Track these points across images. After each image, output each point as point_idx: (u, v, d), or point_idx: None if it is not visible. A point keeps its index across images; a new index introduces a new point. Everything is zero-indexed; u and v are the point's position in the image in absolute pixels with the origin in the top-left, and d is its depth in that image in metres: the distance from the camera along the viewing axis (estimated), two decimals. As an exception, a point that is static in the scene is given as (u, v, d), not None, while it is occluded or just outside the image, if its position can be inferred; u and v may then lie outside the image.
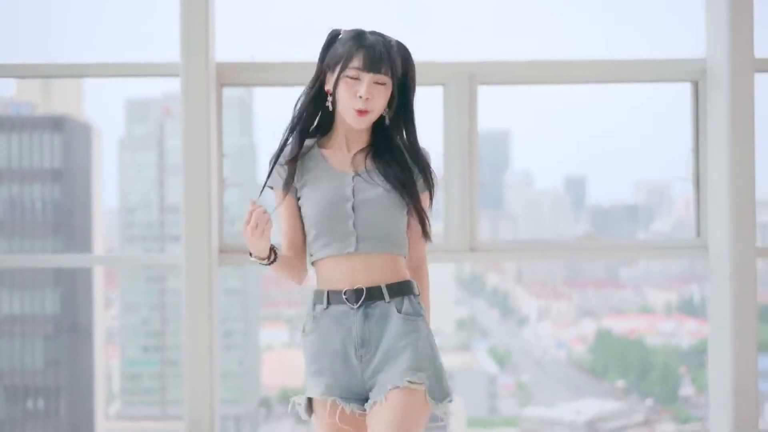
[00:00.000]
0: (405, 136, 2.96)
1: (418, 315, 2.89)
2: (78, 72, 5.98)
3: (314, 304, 2.92)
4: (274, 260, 2.89)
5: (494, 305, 66.77)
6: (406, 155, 2.95)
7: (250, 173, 61.11)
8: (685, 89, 5.74)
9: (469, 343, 62.81)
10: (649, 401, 54.64)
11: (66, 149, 52.69)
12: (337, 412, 2.83)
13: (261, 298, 62.41)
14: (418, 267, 3.01)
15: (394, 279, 2.89)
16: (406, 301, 2.88)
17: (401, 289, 2.89)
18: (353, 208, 2.87)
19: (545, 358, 61.73)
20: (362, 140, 2.97)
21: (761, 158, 5.42)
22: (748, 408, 5.47)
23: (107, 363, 58.02)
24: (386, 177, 2.90)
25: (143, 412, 57.69)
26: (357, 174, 2.91)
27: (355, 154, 2.95)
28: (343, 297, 2.86)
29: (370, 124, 2.94)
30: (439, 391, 2.85)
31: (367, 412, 2.82)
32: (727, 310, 5.42)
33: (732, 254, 5.34)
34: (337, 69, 2.87)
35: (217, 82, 5.42)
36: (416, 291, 2.92)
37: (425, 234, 2.97)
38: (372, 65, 2.83)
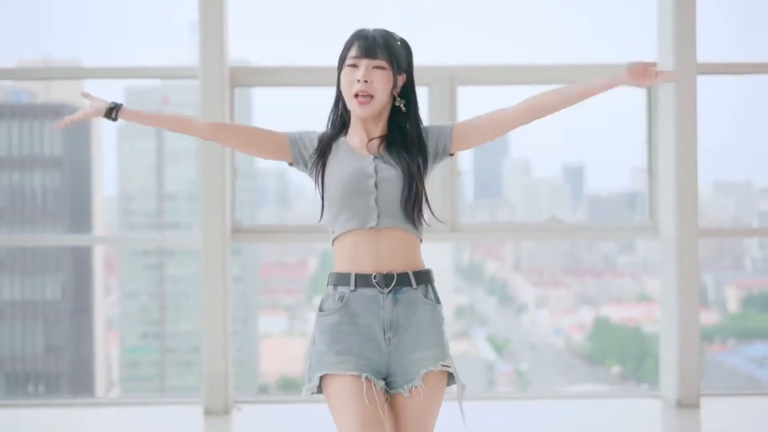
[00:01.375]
0: (412, 125, 3.06)
1: (438, 302, 3.04)
2: (101, 74, 6.89)
3: (336, 285, 2.99)
4: (117, 111, 3.04)
5: (493, 293, 66.81)
6: (418, 133, 3.06)
7: (249, 160, 61.47)
8: (646, 89, 6.53)
9: (468, 331, 63.05)
10: (644, 387, 55.12)
11: (66, 137, 53.02)
12: (372, 388, 2.88)
13: (260, 285, 62.71)
14: (506, 111, 3.08)
15: (419, 267, 3.01)
16: (429, 289, 3.02)
17: (426, 278, 3.02)
18: (375, 185, 2.96)
19: (543, 346, 61.96)
20: (380, 128, 3.07)
21: (704, 150, 6.20)
22: (691, 372, 6.29)
23: (107, 350, 58.31)
24: (399, 164, 2.99)
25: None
26: (377, 156, 3.01)
27: (372, 140, 3.04)
28: (373, 281, 2.94)
29: (383, 115, 3.07)
30: (458, 374, 3.01)
31: (404, 393, 2.92)
32: (674, 282, 6.25)
33: (677, 233, 6.18)
34: (341, 65, 3.04)
35: (231, 84, 6.25)
36: (434, 279, 3.05)
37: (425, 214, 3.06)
38: (368, 51, 2.97)
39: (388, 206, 2.98)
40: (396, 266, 2.97)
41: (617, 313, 59.44)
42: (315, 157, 3.06)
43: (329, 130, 3.11)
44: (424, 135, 3.07)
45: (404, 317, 2.95)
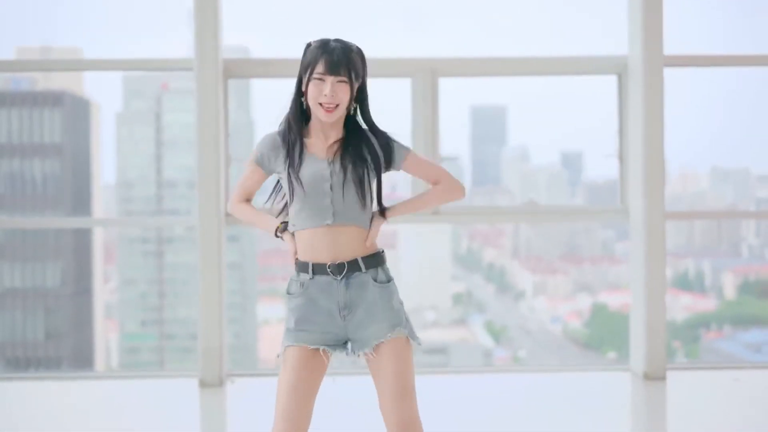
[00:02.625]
0: (365, 121, 3.50)
1: (389, 280, 3.45)
2: (99, 66, 7.27)
3: (298, 272, 3.47)
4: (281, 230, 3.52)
5: (490, 280, 66.94)
6: (371, 139, 3.48)
7: (248, 148, 61.55)
8: (615, 80, 6.93)
9: (466, 318, 63.23)
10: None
11: (66, 124, 53.26)
12: (324, 359, 3.39)
13: (258, 272, 62.91)
14: (437, 183, 3.60)
15: (368, 252, 3.44)
16: (379, 271, 3.44)
17: (374, 261, 3.43)
18: (331, 188, 3.39)
19: (541, 332, 62.12)
20: (336, 131, 3.47)
21: (703, 138, 6.60)
22: (658, 346, 6.68)
23: (106, 337, 58.49)
24: (353, 166, 3.41)
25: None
26: (332, 161, 3.42)
27: (331, 144, 3.44)
28: (328, 270, 3.39)
29: (342, 119, 3.47)
30: (413, 334, 3.46)
31: (358, 357, 3.41)
32: (642, 262, 6.65)
33: (645, 217, 6.57)
34: (307, 73, 3.42)
35: (224, 76, 6.63)
36: (385, 261, 3.48)
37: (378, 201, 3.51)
38: (333, 69, 3.36)
39: (341, 207, 3.41)
40: (348, 255, 3.42)
41: (614, 300, 59.67)
42: (285, 159, 3.47)
43: (292, 128, 3.49)
44: (379, 141, 3.51)
45: (356, 298, 3.41)
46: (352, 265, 3.41)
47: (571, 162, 71.86)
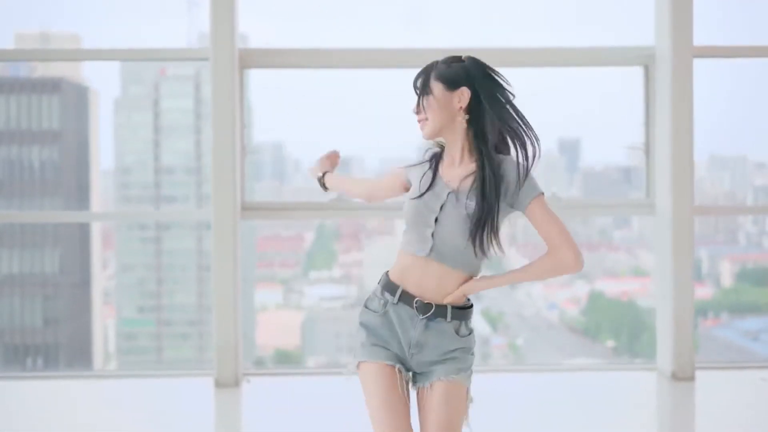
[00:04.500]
0: (482, 140, 3.17)
1: (470, 333, 3.29)
2: (115, 56, 7.09)
3: (384, 290, 3.27)
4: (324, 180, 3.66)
5: (487, 267, 67.02)
6: (506, 172, 3.15)
7: (247, 135, 61.48)
8: (641, 71, 6.75)
9: (462, 305, 63.25)
10: (638, 361, 55.33)
11: (64, 110, 53.14)
12: (401, 377, 3.18)
13: (256, 259, 62.79)
14: (552, 252, 3.19)
15: (460, 302, 3.27)
16: (463, 325, 3.27)
17: (463, 315, 3.26)
18: (435, 221, 3.16)
19: (537, 320, 62.13)
20: (465, 157, 3.22)
21: (701, 125, 6.43)
22: (686, 345, 6.50)
23: (103, 322, 58.44)
24: (476, 207, 3.13)
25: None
26: (453, 191, 3.18)
27: (466, 176, 3.20)
28: (414, 304, 3.19)
29: (457, 137, 3.20)
30: (469, 387, 3.29)
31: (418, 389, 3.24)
32: (669, 258, 6.47)
33: (673, 211, 6.39)
34: None
35: (240, 66, 6.44)
36: (472, 316, 3.29)
37: (481, 250, 3.20)
38: (414, 88, 3.25)
39: (441, 244, 3.19)
40: (437, 297, 3.22)
41: (612, 287, 59.59)
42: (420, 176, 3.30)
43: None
44: (513, 175, 3.16)
45: (431, 342, 3.22)
46: (439, 311, 3.22)
47: (569, 149, 71.71)
